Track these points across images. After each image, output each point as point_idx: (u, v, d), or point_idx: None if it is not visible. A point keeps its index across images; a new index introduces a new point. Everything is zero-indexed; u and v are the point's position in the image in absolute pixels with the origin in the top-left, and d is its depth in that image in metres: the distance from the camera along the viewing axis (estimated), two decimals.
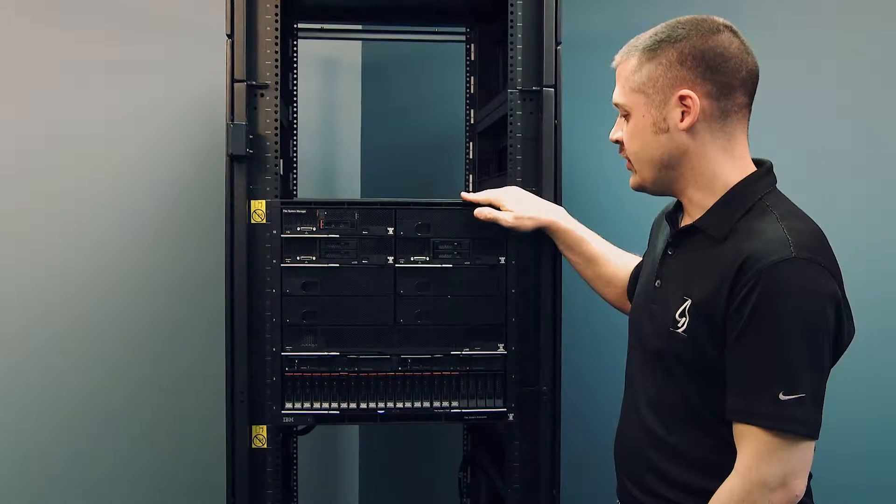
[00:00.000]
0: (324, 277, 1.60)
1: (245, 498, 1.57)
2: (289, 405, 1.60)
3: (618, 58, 1.29)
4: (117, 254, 2.18)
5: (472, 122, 2.16)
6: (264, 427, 1.60)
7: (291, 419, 1.60)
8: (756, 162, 1.25)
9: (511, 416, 1.62)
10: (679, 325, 1.20)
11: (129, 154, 2.19)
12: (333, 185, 2.67)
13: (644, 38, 1.24)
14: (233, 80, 1.56)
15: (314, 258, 1.60)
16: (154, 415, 2.23)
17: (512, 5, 1.62)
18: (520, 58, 1.62)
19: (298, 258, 1.59)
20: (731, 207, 1.20)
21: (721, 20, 1.22)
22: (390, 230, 1.61)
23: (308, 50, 2.26)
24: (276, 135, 1.60)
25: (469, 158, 2.18)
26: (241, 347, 1.57)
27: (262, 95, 1.59)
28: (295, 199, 2.03)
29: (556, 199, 1.61)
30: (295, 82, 2.15)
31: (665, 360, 1.24)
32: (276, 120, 1.60)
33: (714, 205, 1.22)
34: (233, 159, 1.56)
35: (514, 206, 1.57)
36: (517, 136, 1.63)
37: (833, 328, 1.11)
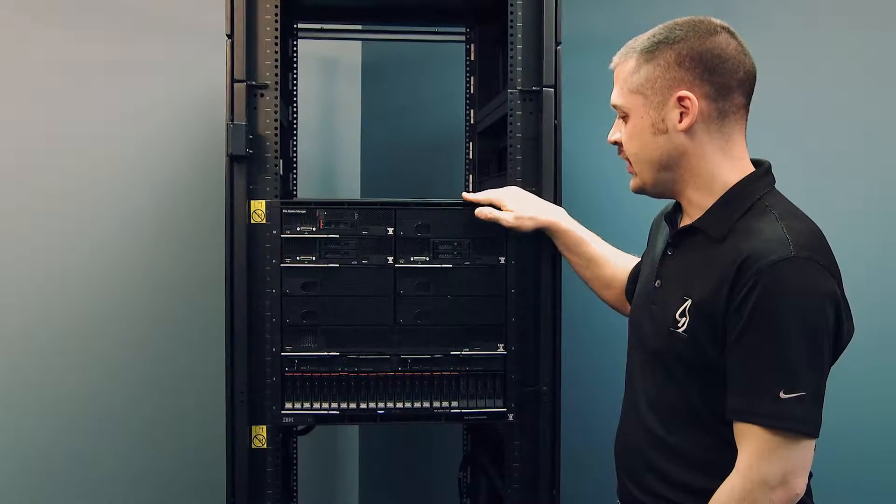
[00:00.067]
0: (324, 277, 1.60)
1: (245, 498, 1.57)
2: (289, 405, 1.60)
3: (616, 59, 1.29)
4: (117, 253, 2.18)
5: (471, 122, 2.16)
6: (264, 427, 1.60)
7: (291, 419, 1.60)
8: (754, 162, 1.25)
9: (511, 417, 1.62)
10: (679, 324, 1.20)
11: (129, 154, 2.19)
12: (333, 185, 2.68)
13: (642, 39, 1.25)
14: (233, 80, 1.56)
15: (314, 258, 1.60)
16: (154, 414, 2.23)
17: (512, 5, 1.62)
18: (520, 58, 1.63)
19: (298, 258, 1.60)
20: (730, 207, 1.20)
21: (718, 21, 1.22)
22: (390, 230, 1.61)
23: (308, 50, 2.26)
24: (276, 135, 1.60)
25: (469, 158, 2.18)
26: (241, 347, 1.57)
27: (261, 95, 1.59)
28: (295, 199, 2.03)
29: (556, 200, 1.62)
30: (295, 82, 2.15)
31: (665, 360, 1.24)
32: (275, 120, 1.60)
33: (713, 205, 1.22)
34: (233, 159, 1.56)
35: (514, 206, 1.57)
36: (517, 137, 1.63)
37: (832, 327, 1.11)
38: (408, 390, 1.61)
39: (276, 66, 1.60)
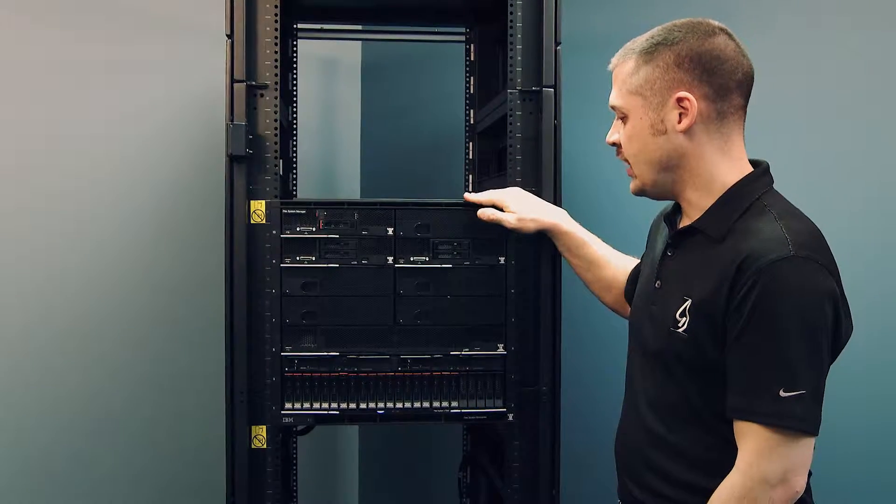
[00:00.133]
0: (323, 277, 1.60)
1: (244, 498, 1.57)
2: (288, 405, 1.60)
3: (614, 60, 1.29)
4: (117, 253, 2.18)
5: (471, 122, 2.16)
6: (264, 427, 1.60)
7: (291, 419, 1.60)
8: (753, 163, 1.26)
9: (511, 417, 1.62)
10: (679, 324, 1.20)
11: (129, 154, 2.19)
12: (333, 185, 2.68)
13: (640, 41, 1.25)
14: (232, 81, 1.56)
15: (314, 258, 1.60)
16: (154, 414, 2.23)
17: (512, 5, 1.62)
18: (519, 58, 1.62)
19: (298, 258, 1.60)
20: (729, 208, 1.21)
21: (716, 23, 1.23)
22: (390, 230, 1.61)
23: (308, 50, 2.26)
24: (276, 135, 1.60)
25: (469, 158, 2.18)
26: (241, 347, 1.57)
27: (261, 95, 1.59)
28: (294, 199, 2.03)
29: (556, 200, 1.62)
30: (294, 82, 2.16)
31: (665, 360, 1.24)
32: (275, 120, 1.60)
33: (712, 205, 1.23)
34: (232, 159, 1.56)
35: (516, 207, 1.57)
36: (517, 137, 1.63)
37: (832, 326, 1.12)
38: (407, 390, 1.61)
39: (276, 67, 1.60)
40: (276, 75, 1.60)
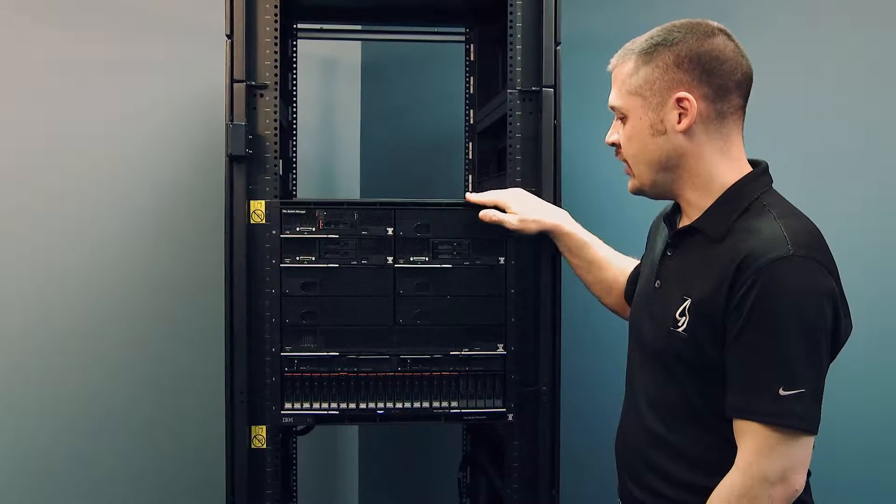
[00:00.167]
0: (323, 278, 1.60)
1: (244, 498, 1.57)
2: (288, 405, 1.60)
3: (614, 61, 1.30)
4: (117, 253, 2.18)
5: (471, 122, 2.16)
6: (264, 427, 1.60)
7: (291, 419, 1.60)
8: (751, 162, 1.26)
9: (510, 417, 1.62)
10: (679, 324, 1.20)
11: (129, 154, 2.19)
12: (333, 185, 2.68)
13: (640, 41, 1.26)
14: (232, 81, 1.56)
15: (313, 258, 1.60)
16: (154, 414, 2.23)
17: (511, 5, 1.62)
18: (519, 58, 1.63)
19: (298, 258, 1.60)
20: (728, 207, 1.21)
21: (715, 24, 1.23)
22: (390, 230, 1.61)
23: (307, 50, 2.26)
24: (276, 135, 1.61)
25: (468, 158, 2.18)
26: (241, 348, 1.57)
27: (261, 96, 1.60)
28: (294, 199, 2.03)
29: (556, 200, 1.62)
30: (294, 82, 2.16)
31: (665, 360, 1.24)
32: (275, 120, 1.60)
33: (712, 205, 1.23)
34: (232, 159, 1.56)
35: (519, 208, 1.57)
36: (516, 137, 1.63)
37: (831, 325, 1.12)
38: (407, 390, 1.61)
39: (276, 67, 1.60)
40: (275, 75, 1.60)
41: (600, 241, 1.59)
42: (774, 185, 1.25)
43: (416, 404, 1.61)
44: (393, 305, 1.61)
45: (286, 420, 1.60)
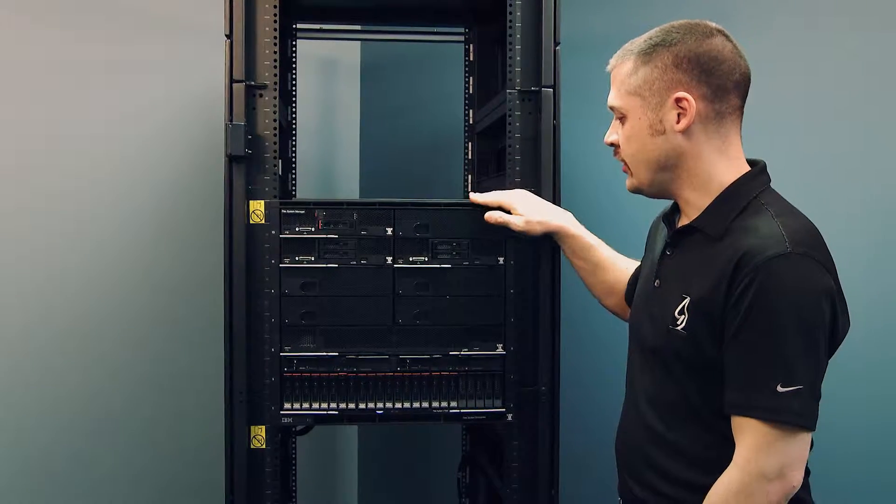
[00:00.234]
0: (322, 278, 1.60)
1: (243, 498, 1.57)
2: (287, 405, 1.60)
3: (613, 61, 1.30)
4: (117, 253, 2.18)
5: (470, 122, 2.16)
6: (263, 427, 1.60)
7: (290, 419, 1.60)
8: (749, 162, 1.26)
9: (510, 417, 1.62)
10: (678, 322, 1.21)
11: (129, 154, 2.19)
12: (332, 185, 2.68)
13: (639, 42, 1.26)
14: (232, 81, 1.56)
15: (313, 258, 1.60)
16: (154, 414, 2.23)
17: (511, 6, 1.62)
18: (518, 58, 1.63)
19: (297, 258, 1.60)
20: (727, 206, 1.21)
21: (714, 24, 1.24)
22: (389, 230, 1.61)
23: (307, 50, 2.26)
24: (275, 135, 1.61)
25: (468, 158, 2.18)
26: (240, 348, 1.57)
27: (260, 96, 1.60)
28: (294, 199, 2.03)
29: (555, 200, 1.62)
30: (294, 82, 2.16)
31: (664, 358, 1.25)
32: (274, 120, 1.60)
33: (710, 204, 1.23)
34: (231, 159, 1.56)
35: (524, 210, 1.56)
36: (516, 137, 1.63)
37: (829, 322, 1.12)
38: (406, 390, 1.61)
39: (275, 67, 1.60)
40: (275, 75, 1.60)
41: (604, 244, 1.59)
42: (773, 185, 1.25)
43: (416, 404, 1.61)
44: (392, 305, 1.61)
45: (285, 420, 1.60)
